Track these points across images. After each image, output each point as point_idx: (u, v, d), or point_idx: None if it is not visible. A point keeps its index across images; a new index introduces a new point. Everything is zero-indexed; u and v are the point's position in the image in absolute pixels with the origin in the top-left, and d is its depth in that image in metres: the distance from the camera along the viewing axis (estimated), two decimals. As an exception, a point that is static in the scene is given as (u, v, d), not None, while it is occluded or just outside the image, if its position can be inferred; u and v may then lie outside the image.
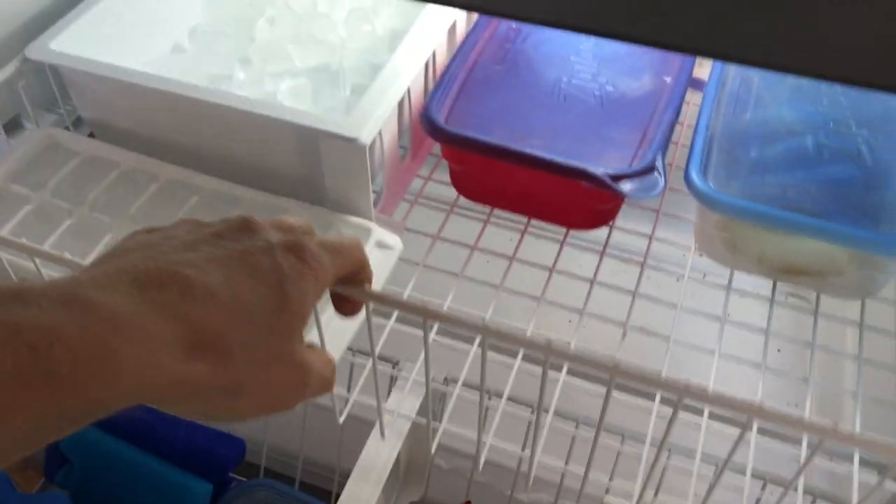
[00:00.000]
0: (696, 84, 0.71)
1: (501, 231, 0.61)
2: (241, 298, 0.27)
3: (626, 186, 0.50)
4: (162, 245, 0.28)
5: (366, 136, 0.50)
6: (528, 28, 0.64)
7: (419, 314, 0.36)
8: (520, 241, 0.58)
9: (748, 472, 0.51)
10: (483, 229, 0.58)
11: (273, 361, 0.28)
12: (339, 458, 0.69)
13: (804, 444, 0.51)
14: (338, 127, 0.50)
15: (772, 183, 0.53)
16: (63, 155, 0.57)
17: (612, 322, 0.54)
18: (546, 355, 0.34)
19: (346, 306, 0.35)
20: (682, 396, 0.33)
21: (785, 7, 0.23)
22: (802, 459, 0.49)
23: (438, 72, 0.63)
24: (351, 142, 0.50)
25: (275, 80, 0.64)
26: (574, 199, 0.55)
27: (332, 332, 0.42)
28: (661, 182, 0.50)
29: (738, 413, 0.33)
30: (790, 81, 0.62)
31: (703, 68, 0.71)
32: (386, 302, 0.35)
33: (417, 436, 0.62)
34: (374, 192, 0.58)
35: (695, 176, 0.51)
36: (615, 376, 0.34)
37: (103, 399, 0.23)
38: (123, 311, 0.24)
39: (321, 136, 0.51)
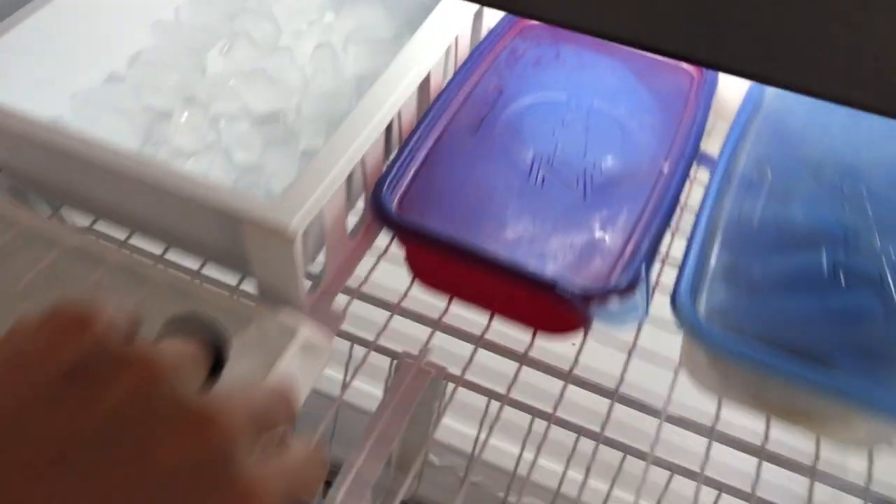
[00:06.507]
0: (704, 159, 0.62)
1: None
2: None
3: (597, 308, 0.42)
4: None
5: (296, 225, 0.42)
6: (512, 89, 0.56)
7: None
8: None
9: None
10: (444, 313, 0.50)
11: None
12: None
13: None
14: (263, 214, 0.42)
15: (775, 309, 0.44)
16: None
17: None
18: None
19: None
20: None
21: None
22: None
23: (404, 132, 0.54)
24: (277, 232, 0.42)
25: (219, 126, 0.56)
26: (541, 306, 0.47)
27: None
28: (641, 309, 0.42)
29: None
30: (807, 172, 0.54)
31: (713, 140, 0.62)
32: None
33: (412, 430, 0.54)
34: (310, 276, 0.50)
35: (684, 300, 0.43)
36: None
37: None
38: None
39: (243, 221, 0.43)
